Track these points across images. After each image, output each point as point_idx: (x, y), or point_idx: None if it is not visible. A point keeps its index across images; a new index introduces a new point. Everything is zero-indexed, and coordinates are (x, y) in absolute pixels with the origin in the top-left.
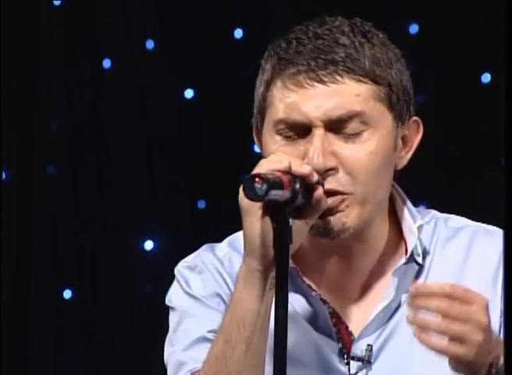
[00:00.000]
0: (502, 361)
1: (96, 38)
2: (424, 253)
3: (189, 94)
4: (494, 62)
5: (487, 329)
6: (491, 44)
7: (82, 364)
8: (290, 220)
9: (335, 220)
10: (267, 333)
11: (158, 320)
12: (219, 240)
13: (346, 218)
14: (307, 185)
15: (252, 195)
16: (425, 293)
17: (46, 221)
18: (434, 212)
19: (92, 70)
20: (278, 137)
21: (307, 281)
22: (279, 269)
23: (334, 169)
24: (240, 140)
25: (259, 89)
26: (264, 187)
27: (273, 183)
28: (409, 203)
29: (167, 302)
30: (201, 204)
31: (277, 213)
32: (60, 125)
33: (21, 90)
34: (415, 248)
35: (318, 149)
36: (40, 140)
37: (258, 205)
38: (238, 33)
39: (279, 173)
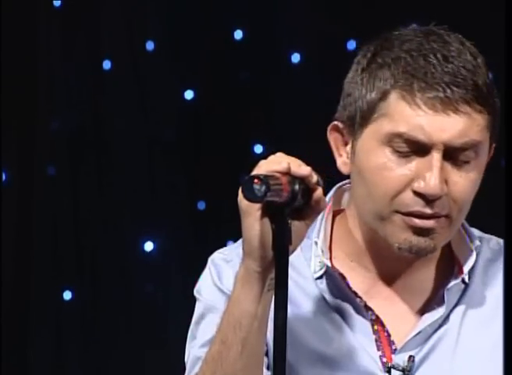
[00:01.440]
0: None
1: (96, 39)
2: (470, 272)
3: (189, 95)
4: (494, 63)
5: None
6: (491, 45)
7: (82, 364)
8: (289, 221)
9: (428, 241)
10: (264, 334)
11: (158, 321)
12: (219, 241)
13: (438, 239)
14: (306, 186)
15: (251, 196)
16: None
17: (46, 221)
18: (476, 231)
19: (92, 71)
20: (387, 150)
21: (354, 288)
22: (278, 270)
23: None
24: (240, 140)
25: (368, 94)
26: (263, 188)
27: (272, 184)
28: (464, 222)
29: (195, 292)
30: (201, 205)
31: (276, 214)
32: (60, 125)
33: (21, 90)
34: None
35: (437, 175)
36: (40, 140)
37: (257, 206)
38: (238, 34)
39: (278, 174)
